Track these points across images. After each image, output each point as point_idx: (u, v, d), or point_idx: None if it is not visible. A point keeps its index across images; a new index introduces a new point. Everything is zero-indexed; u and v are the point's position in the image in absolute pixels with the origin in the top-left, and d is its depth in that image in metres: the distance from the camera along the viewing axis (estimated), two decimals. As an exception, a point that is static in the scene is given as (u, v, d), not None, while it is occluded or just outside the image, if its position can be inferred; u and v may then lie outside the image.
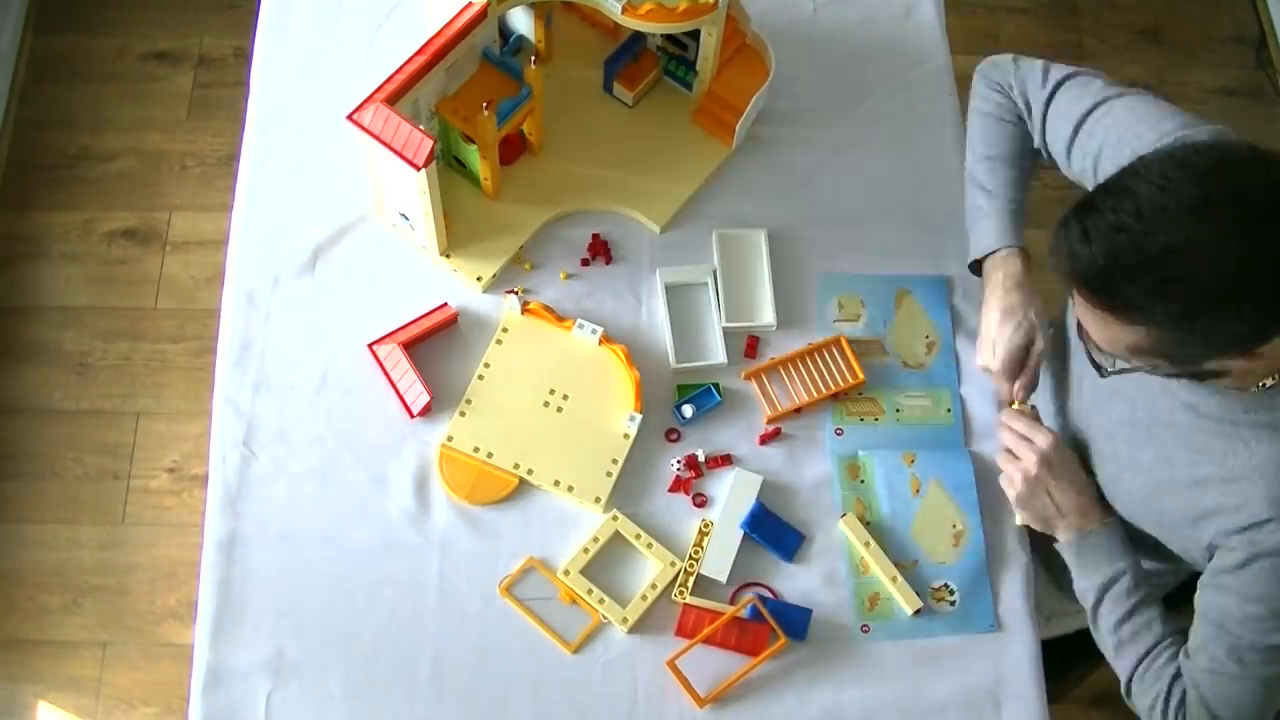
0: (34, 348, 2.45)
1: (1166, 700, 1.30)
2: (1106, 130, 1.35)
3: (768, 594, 1.44)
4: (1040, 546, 1.56)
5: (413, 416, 1.49)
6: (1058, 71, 1.44)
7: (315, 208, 1.62)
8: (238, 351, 1.53)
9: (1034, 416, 1.41)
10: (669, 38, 1.65)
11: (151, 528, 2.31)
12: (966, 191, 1.52)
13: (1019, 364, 1.43)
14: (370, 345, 1.52)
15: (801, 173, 1.68)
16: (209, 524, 1.44)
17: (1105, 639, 1.36)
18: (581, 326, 1.52)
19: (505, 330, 1.55)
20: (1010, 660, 1.42)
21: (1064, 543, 1.38)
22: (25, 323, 2.47)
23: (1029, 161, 1.50)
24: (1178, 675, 1.30)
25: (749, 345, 1.57)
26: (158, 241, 2.55)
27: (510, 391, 1.52)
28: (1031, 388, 1.44)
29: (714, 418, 1.52)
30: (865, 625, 1.42)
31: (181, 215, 2.57)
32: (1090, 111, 1.38)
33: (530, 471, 1.47)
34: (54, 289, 2.50)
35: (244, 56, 2.59)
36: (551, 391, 1.52)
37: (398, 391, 1.50)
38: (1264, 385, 1.19)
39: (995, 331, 1.43)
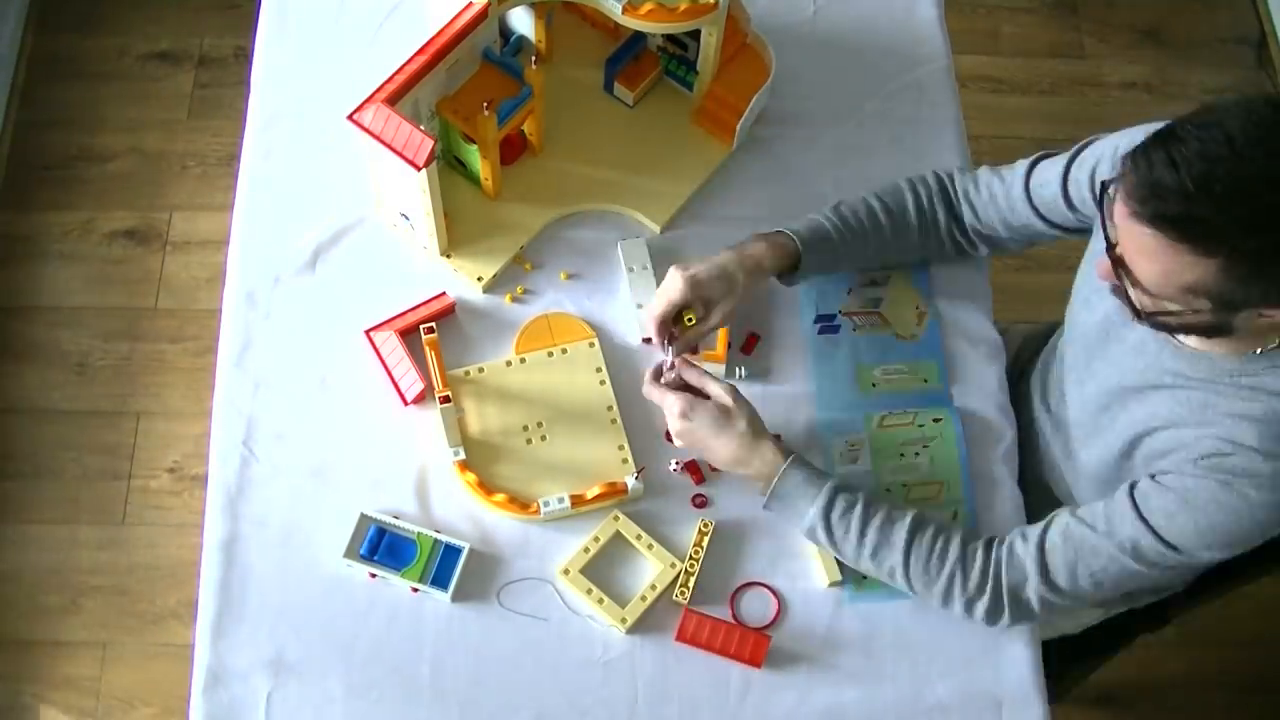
0: (34, 348, 2.45)
1: (965, 577, 1.33)
2: (1099, 150, 1.38)
3: (768, 594, 1.44)
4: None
5: (406, 404, 1.50)
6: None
7: (315, 208, 1.62)
8: (238, 351, 1.53)
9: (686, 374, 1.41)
10: (669, 38, 1.65)
11: (151, 528, 2.31)
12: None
13: (670, 319, 1.43)
14: (367, 332, 1.53)
15: (802, 173, 1.68)
16: (209, 524, 1.44)
17: (855, 552, 1.36)
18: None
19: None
20: (1011, 660, 1.42)
21: (764, 500, 1.39)
22: (25, 323, 2.47)
23: (886, 226, 1.50)
24: (968, 548, 1.33)
25: (748, 342, 1.57)
26: (158, 241, 2.55)
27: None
28: (683, 349, 1.45)
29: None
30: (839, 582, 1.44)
31: (181, 215, 2.57)
32: (1081, 148, 1.41)
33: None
34: (54, 289, 2.50)
35: (244, 56, 2.59)
36: (539, 424, 1.51)
37: (392, 379, 1.50)
38: (1256, 352, 1.21)
39: (677, 279, 1.41)
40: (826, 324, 1.58)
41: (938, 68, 1.77)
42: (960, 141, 1.72)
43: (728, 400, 1.39)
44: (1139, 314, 1.20)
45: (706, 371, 1.43)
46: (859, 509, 1.35)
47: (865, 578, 1.44)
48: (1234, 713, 2.27)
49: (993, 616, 1.34)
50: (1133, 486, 1.28)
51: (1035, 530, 1.33)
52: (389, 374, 1.51)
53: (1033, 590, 1.31)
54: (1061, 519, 1.32)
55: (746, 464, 1.39)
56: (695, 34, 1.58)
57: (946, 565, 1.33)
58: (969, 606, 1.34)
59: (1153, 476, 1.27)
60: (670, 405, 1.39)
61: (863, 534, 1.35)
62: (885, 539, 1.34)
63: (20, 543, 2.29)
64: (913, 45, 1.79)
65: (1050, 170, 1.44)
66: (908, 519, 1.35)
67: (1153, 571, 1.28)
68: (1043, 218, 1.47)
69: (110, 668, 2.20)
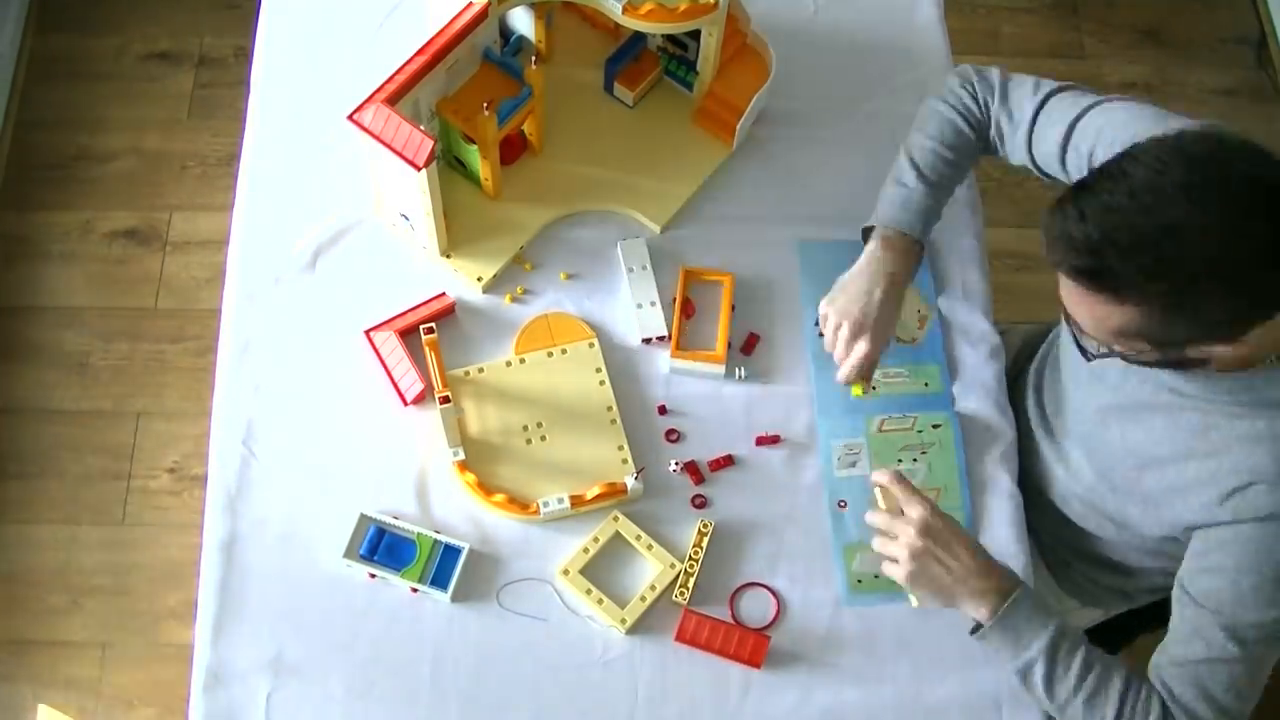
0: (34, 348, 2.45)
1: None
2: (1099, 130, 1.35)
3: (768, 594, 1.44)
4: (1040, 544, 1.57)
5: (406, 404, 1.50)
6: (1049, 84, 1.43)
7: (315, 208, 1.62)
8: (238, 351, 1.53)
9: (907, 485, 1.32)
10: (669, 38, 1.65)
11: (152, 528, 2.30)
12: (898, 160, 1.49)
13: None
14: (367, 332, 1.53)
15: (802, 173, 1.68)
16: (209, 524, 1.44)
17: (1071, 693, 1.27)
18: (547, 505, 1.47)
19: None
20: (1010, 661, 1.42)
21: (989, 623, 1.28)
22: (25, 323, 2.47)
23: (964, 173, 1.51)
24: (1159, 698, 1.26)
25: (748, 342, 1.57)
26: (158, 241, 2.55)
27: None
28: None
29: (714, 418, 1.52)
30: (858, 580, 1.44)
31: (181, 215, 2.57)
32: (1085, 113, 1.37)
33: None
34: (54, 289, 2.50)
35: (244, 56, 2.58)
36: (539, 424, 1.51)
37: (392, 379, 1.50)
38: (1247, 372, 1.20)
39: (876, 310, 1.41)
40: (826, 324, 1.58)
41: (938, 68, 1.77)
42: (960, 142, 1.72)
43: (948, 517, 1.31)
44: (1086, 354, 1.22)
45: (915, 489, 1.32)
46: (1083, 649, 1.27)
47: (863, 579, 1.44)
48: (1234, 713, 2.27)
49: None
50: (1183, 586, 1.25)
51: (1156, 679, 1.26)
52: (389, 374, 1.51)
53: None
54: (1163, 660, 1.26)
55: (976, 584, 1.28)
56: (695, 34, 1.58)
57: (1152, 712, 1.24)
58: None
59: (1177, 540, 1.26)
60: (913, 518, 1.29)
61: (1084, 676, 1.26)
62: (1104, 685, 1.26)
63: (20, 543, 2.29)
64: (913, 45, 1.79)
65: (1051, 133, 1.39)
66: (1124, 667, 1.27)
67: (1274, 642, 1.23)
68: (1040, 170, 1.45)
69: (110, 668, 2.20)
